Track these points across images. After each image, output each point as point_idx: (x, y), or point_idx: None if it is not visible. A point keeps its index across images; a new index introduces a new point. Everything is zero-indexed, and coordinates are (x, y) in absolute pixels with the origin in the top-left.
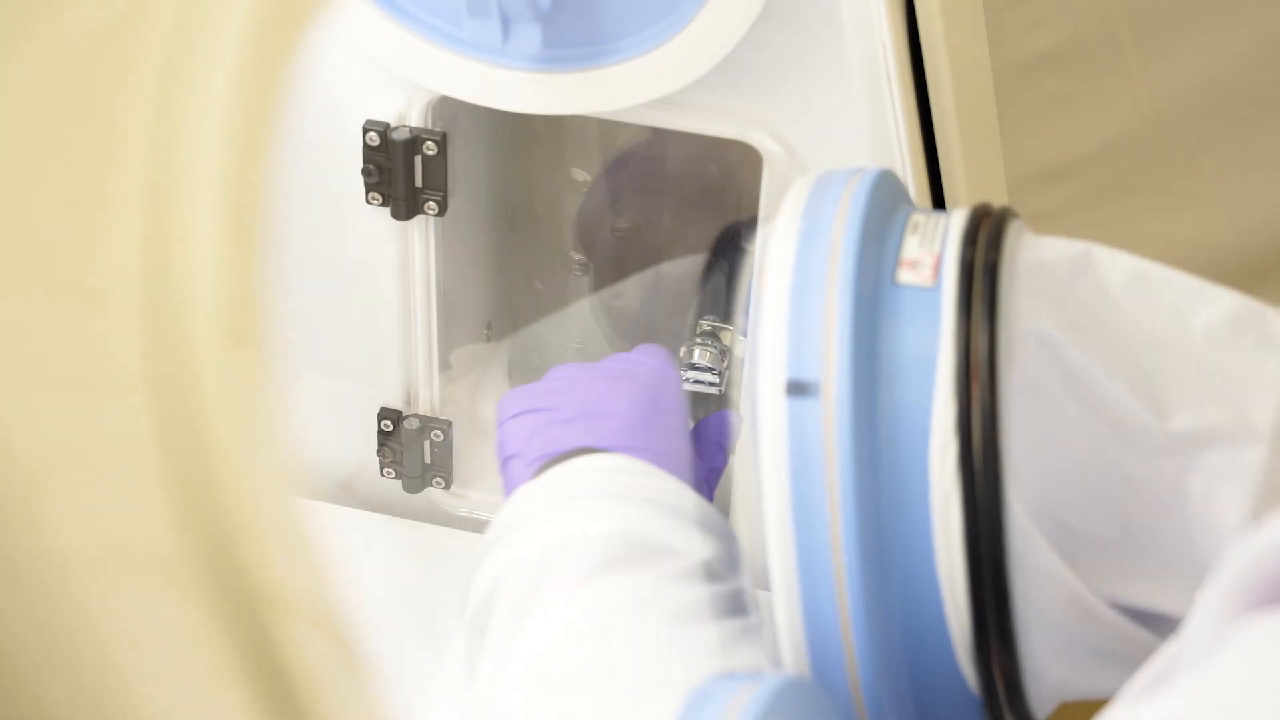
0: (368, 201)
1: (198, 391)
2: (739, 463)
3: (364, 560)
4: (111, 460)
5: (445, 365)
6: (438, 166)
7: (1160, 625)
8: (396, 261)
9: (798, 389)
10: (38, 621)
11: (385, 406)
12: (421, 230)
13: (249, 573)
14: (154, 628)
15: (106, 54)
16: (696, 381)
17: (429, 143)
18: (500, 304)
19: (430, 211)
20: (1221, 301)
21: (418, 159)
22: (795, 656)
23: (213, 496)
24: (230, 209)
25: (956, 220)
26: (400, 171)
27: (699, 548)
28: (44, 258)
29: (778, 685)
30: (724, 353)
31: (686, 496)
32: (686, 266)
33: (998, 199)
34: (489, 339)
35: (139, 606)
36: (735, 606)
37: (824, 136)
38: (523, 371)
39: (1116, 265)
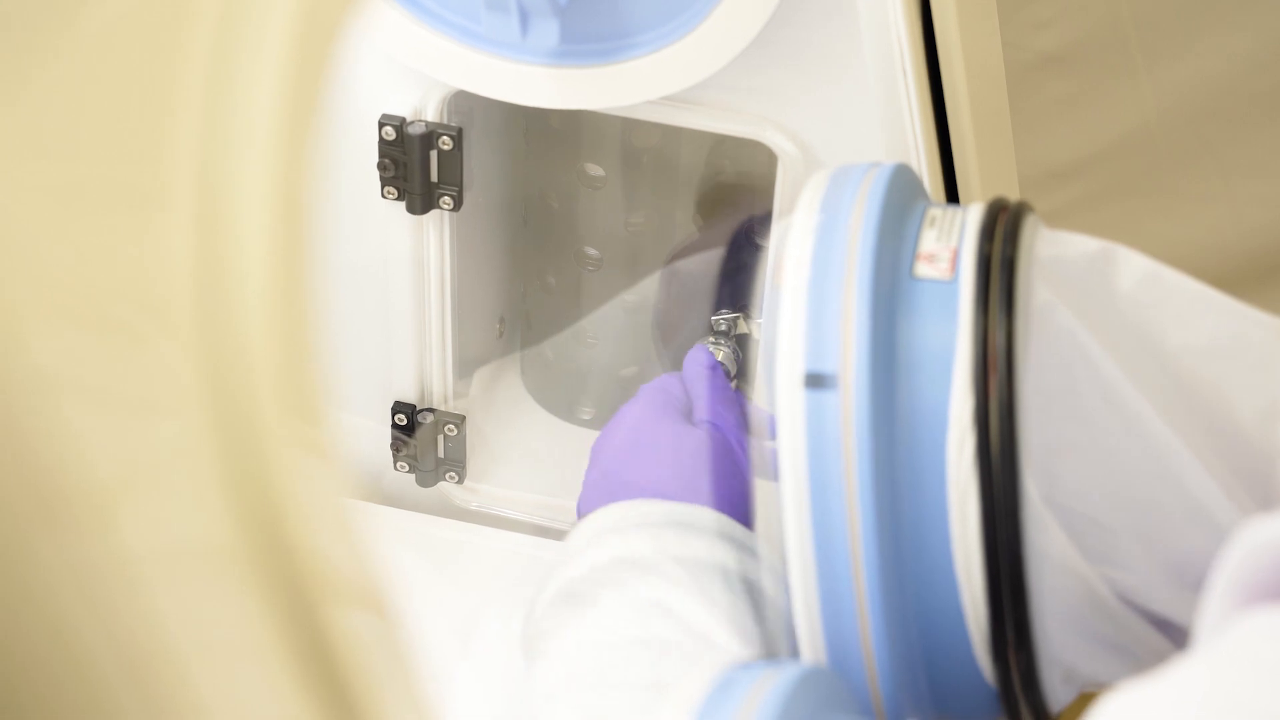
0: (383, 195)
1: (252, 398)
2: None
3: (377, 554)
4: (173, 466)
5: (459, 359)
6: (453, 161)
7: (1171, 629)
8: (411, 256)
9: (816, 381)
10: (105, 621)
11: (399, 400)
12: (436, 225)
13: (301, 564)
14: (212, 619)
15: (150, 55)
16: None
17: (444, 137)
18: (514, 299)
19: (445, 206)
20: (1227, 314)
21: (433, 153)
22: (813, 647)
23: (268, 495)
24: (280, 218)
25: (973, 214)
26: (416, 166)
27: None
28: (103, 275)
29: (799, 674)
30: (739, 346)
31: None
32: (702, 262)
33: (1011, 195)
34: (502, 334)
35: (198, 600)
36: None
37: (839, 134)
38: (535, 367)
39: (1132, 265)
